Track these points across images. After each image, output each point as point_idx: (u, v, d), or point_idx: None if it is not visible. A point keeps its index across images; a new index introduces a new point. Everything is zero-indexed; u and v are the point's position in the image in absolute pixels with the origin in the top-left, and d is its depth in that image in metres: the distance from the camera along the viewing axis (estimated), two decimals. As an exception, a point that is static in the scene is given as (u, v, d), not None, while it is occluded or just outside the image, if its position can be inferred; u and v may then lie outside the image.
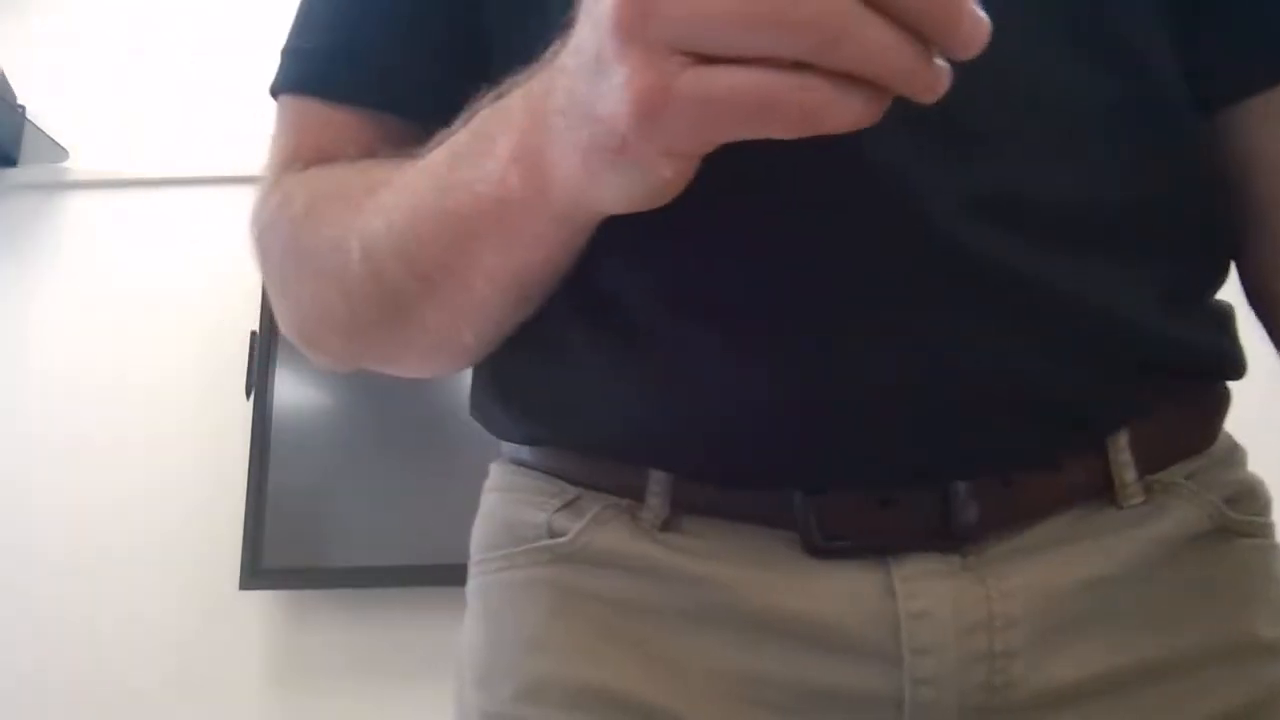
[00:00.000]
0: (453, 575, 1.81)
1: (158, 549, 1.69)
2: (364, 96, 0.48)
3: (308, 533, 1.63)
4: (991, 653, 0.39)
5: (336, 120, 0.48)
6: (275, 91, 0.51)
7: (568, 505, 0.44)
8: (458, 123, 0.39)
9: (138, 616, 1.66)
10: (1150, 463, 0.41)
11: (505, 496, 0.48)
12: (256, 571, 1.59)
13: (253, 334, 1.71)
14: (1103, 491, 0.41)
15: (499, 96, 0.38)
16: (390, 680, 1.64)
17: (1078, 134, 0.40)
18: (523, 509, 0.46)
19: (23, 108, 1.87)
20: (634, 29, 0.27)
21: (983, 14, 0.25)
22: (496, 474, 0.51)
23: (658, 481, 0.42)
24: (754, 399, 0.40)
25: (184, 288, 1.80)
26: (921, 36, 0.25)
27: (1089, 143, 0.40)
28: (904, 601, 0.39)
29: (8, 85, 1.84)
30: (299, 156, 0.48)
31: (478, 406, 0.51)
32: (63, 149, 1.88)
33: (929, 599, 0.39)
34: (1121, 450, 0.41)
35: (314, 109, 0.49)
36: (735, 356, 0.40)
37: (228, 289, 1.75)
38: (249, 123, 1.83)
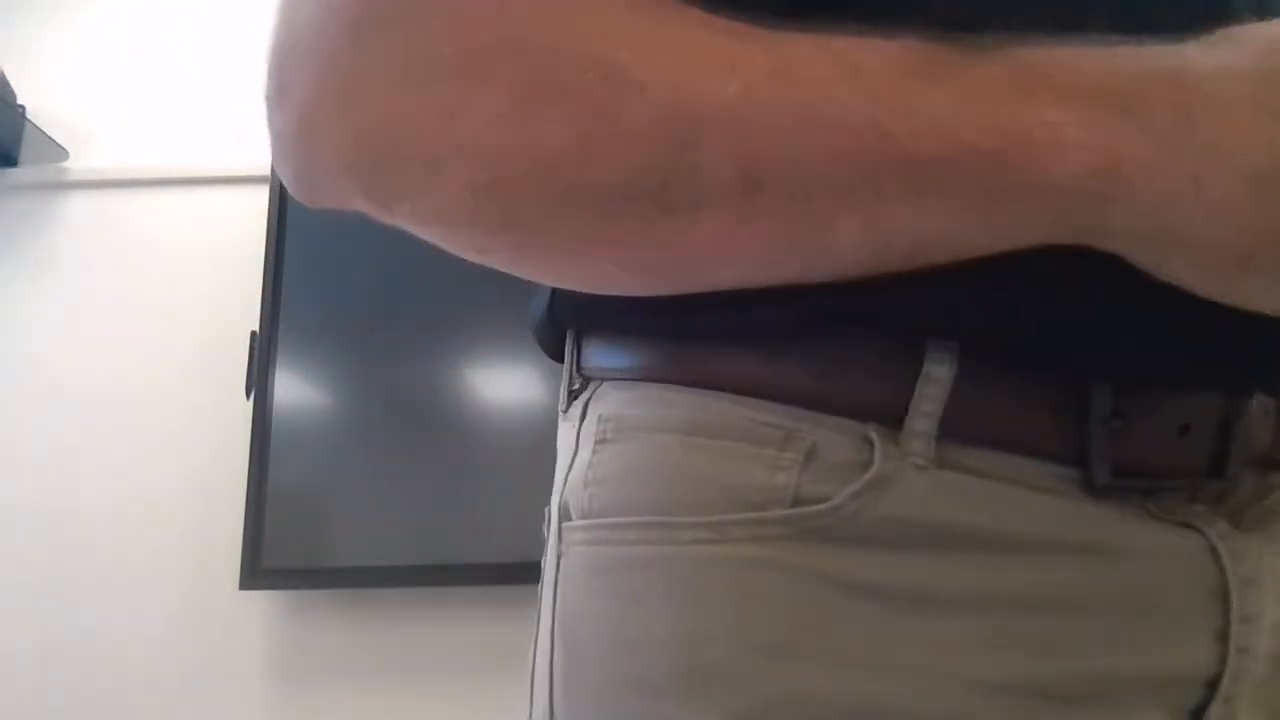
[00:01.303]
0: (452, 575, 1.80)
1: (158, 549, 1.69)
2: None
3: (308, 533, 1.63)
4: (1276, 622, 0.35)
5: None
6: None
7: (811, 459, 0.34)
8: (884, 32, 0.28)
9: (138, 616, 1.66)
10: None
11: (690, 441, 0.36)
12: (256, 571, 1.59)
13: (253, 334, 1.71)
14: None
15: (1004, 43, 0.28)
16: (390, 680, 1.64)
17: None
18: (737, 463, 0.35)
19: (23, 108, 1.87)
20: None
21: None
22: (652, 403, 0.37)
23: (936, 381, 0.33)
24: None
25: (184, 288, 1.80)
26: None
27: None
28: (1233, 563, 0.34)
29: (8, 85, 1.83)
30: None
31: (627, 310, 0.36)
32: (63, 149, 1.87)
33: (1252, 559, 0.35)
34: None
35: None
36: None
37: (228, 289, 1.75)
38: (249, 123, 1.84)
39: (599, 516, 0.38)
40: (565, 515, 0.40)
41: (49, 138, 1.87)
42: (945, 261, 0.31)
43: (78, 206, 1.88)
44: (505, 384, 1.68)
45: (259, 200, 1.75)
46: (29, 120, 1.87)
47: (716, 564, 0.34)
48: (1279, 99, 0.26)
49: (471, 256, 0.33)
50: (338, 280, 1.71)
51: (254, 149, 1.79)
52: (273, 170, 1.96)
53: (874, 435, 0.33)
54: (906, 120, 0.27)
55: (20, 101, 1.87)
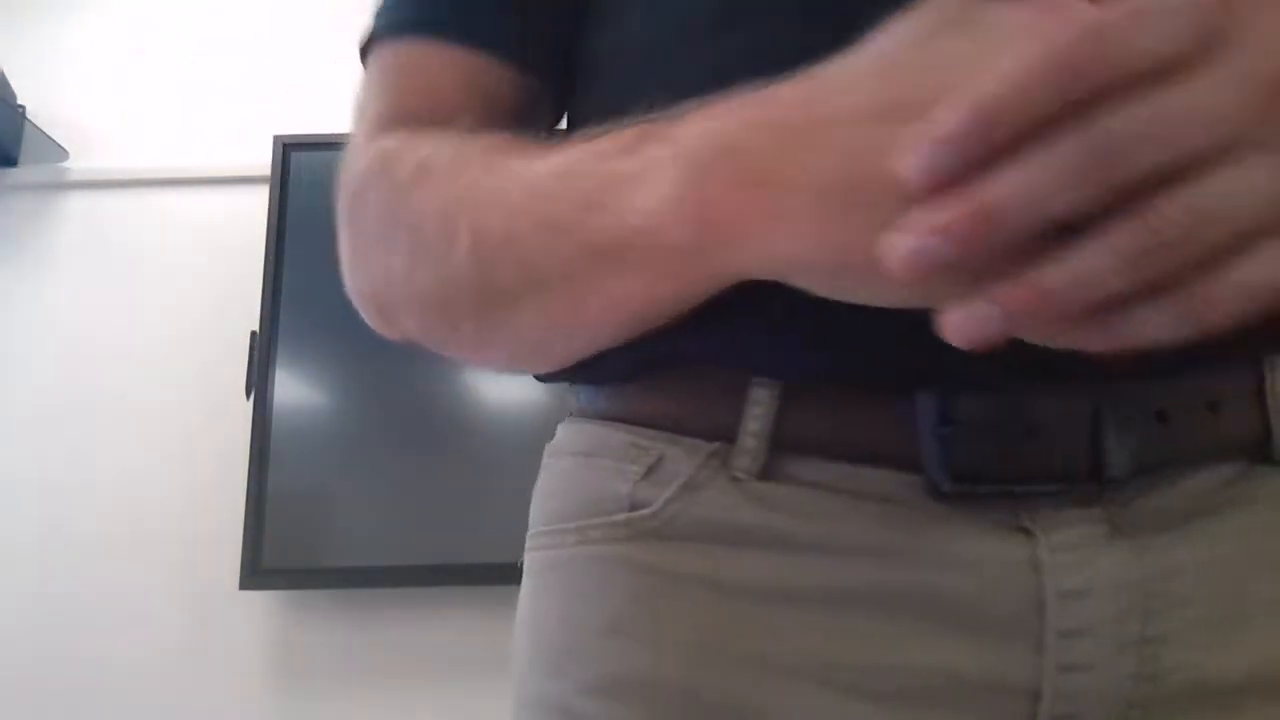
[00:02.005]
0: (453, 575, 1.81)
1: (157, 549, 1.69)
2: (472, 31, 0.43)
3: (308, 533, 1.63)
4: (1143, 638, 0.34)
5: (442, 62, 0.44)
6: (368, 44, 0.47)
7: (652, 471, 0.39)
8: (603, 129, 0.36)
9: (138, 616, 1.66)
10: None
11: (582, 461, 0.43)
12: (256, 571, 1.59)
13: (253, 334, 1.71)
14: (1261, 445, 0.36)
15: (669, 120, 0.34)
16: (390, 680, 1.64)
17: None
18: (604, 477, 0.41)
19: (23, 108, 1.87)
20: None
21: None
22: (569, 435, 0.46)
23: (757, 403, 0.37)
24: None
25: (184, 288, 1.80)
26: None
27: None
28: (1053, 577, 0.34)
29: (8, 85, 1.84)
30: (400, 111, 0.44)
31: None
32: (63, 149, 1.88)
33: (1082, 573, 0.34)
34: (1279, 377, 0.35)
35: (418, 52, 0.44)
36: None
37: (228, 289, 1.75)
38: (249, 122, 1.84)
39: (532, 527, 0.45)
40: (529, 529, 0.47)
41: (49, 138, 1.87)
42: (676, 312, 0.36)
43: (78, 206, 1.88)
44: (505, 384, 1.68)
45: (259, 200, 1.75)
46: (29, 120, 1.87)
47: (582, 562, 0.41)
48: (818, 123, 0.29)
49: (449, 357, 0.45)
50: (338, 280, 1.69)
51: (254, 149, 1.79)
52: (273, 170, 1.96)
53: (709, 451, 0.38)
54: (597, 217, 0.34)
55: (20, 101, 1.87)
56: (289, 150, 1.75)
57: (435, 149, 0.41)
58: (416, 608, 1.64)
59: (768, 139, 0.30)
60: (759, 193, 0.30)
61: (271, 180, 1.75)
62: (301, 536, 1.62)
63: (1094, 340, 0.25)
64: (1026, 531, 0.34)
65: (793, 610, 0.36)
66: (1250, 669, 0.34)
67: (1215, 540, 0.35)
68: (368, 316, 0.46)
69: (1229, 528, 0.35)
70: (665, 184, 0.32)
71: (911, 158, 0.25)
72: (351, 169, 0.44)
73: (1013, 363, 0.33)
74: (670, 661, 0.37)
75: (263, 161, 1.77)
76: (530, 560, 0.45)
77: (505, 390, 1.68)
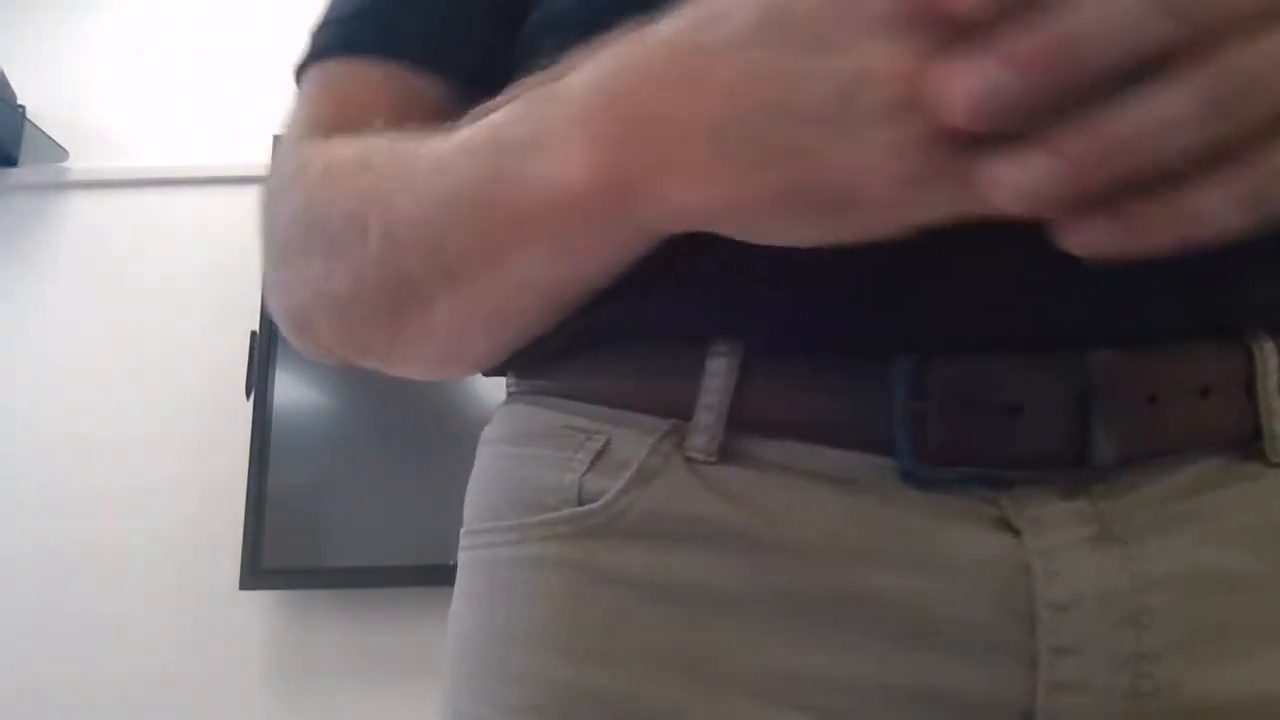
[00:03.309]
0: (452, 575, 1.81)
1: (157, 549, 1.69)
2: (392, 46, 0.42)
3: (308, 533, 1.63)
4: (1138, 653, 0.30)
5: (363, 78, 0.43)
6: (300, 68, 0.46)
7: (600, 458, 0.35)
8: (504, 96, 0.34)
9: (138, 616, 1.66)
10: None
11: (516, 451, 0.39)
12: (256, 571, 1.59)
13: (253, 334, 1.71)
14: (1250, 439, 0.33)
15: (558, 76, 0.32)
16: (390, 680, 1.64)
17: None
18: (542, 468, 0.37)
19: (23, 108, 1.87)
20: (920, 106, 0.23)
21: None
22: (503, 420, 0.42)
23: (714, 374, 0.33)
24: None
25: (184, 288, 1.80)
26: None
27: None
28: (1044, 585, 0.30)
29: (8, 85, 1.83)
30: (320, 123, 0.43)
31: None
32: (63, 149, 1.87)
33: (1073, 582, 0.30)
34: (1270, 369, 0.33)
35: (339, 70, 0.44)
36: None
37: (228, 289, 1.75)
38: (249, 122, 1.84)
39: (466, 526, 0.42)
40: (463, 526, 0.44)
41: (49, 138, 1.87)
42: (602, 285, 0.34)
43: (78, 206, 1.88)
44: (504, 385, 1.68)
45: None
46: (29, 120, 1.87)
47: (514, 564, 0.37)
48: (699, 63, 0.27)
49: (372, 368, 0.43)
50: (338, 280, 1.70)
51: (254, 149, 1.78)
52: (273, 170, 1.95)
53: (658, 431, 0.34)
54: (497, 187, 0.32)
55: (20, 101, 1.87)
56: (289, 150, 1.75)
57: (344, 148, 0.39)
58: (416, 608, 1.64)
59: (650, 83, 0.28)
60: (650, 142, 0.29)
61: (271, 180, 1.75)
62: (301, 536, 1.62)
63: (1150, 230, 0.23)
64: (1012, 529, 0.31)
65: (748, 617, 0.32)
66: (1245, 686, 0.31)
67: (1206, 546, 0.32)
68: (290, 335, 0.44)
69: (1221, 531, 0.32)
70: (560, 147, 0.30)
71: None
72: (269, 186, 0.43)
73: (994, 329, 0.31)
74: (603, 674, 0.33)
75: (263, 161, 1.75)
76: (461, 561, 0.41)
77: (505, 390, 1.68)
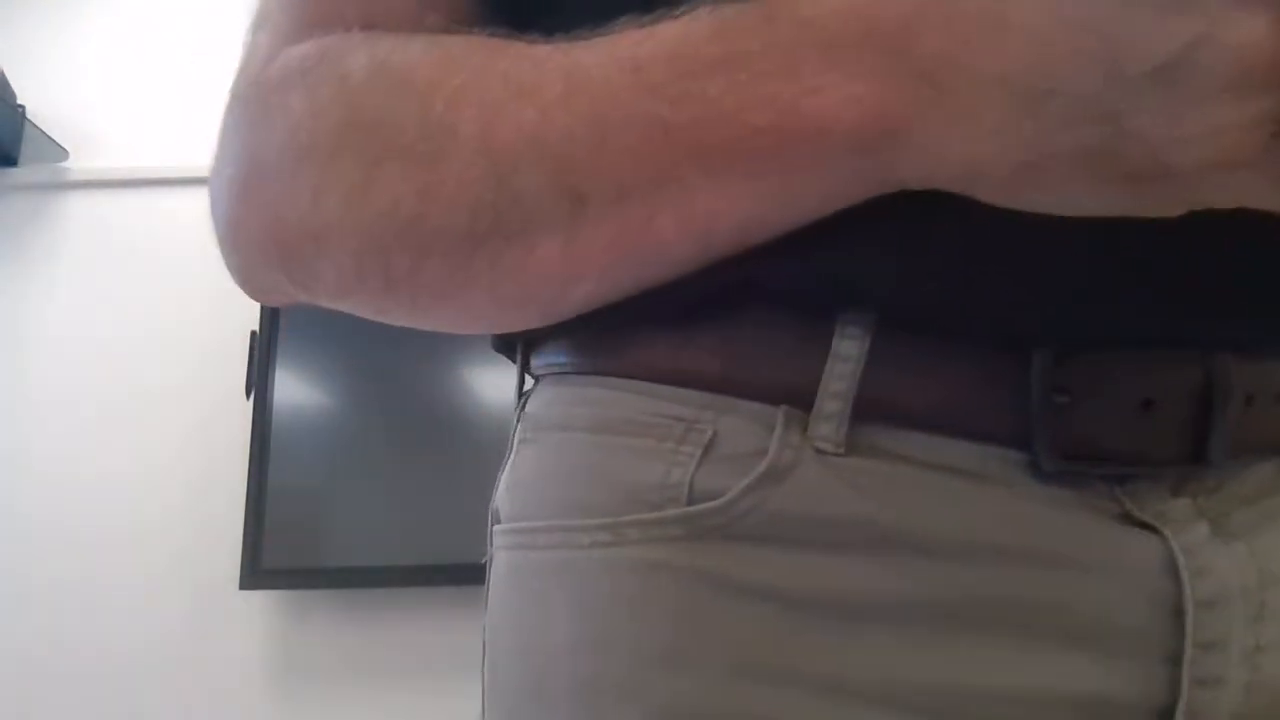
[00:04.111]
0: (453, 575, 1.80)
1: (158, 549, 1.69)
2: None
3: (308, 533, 1.63)
4: (1258, 647, 0.30)
5: None
6: None
7: (709, 451, 0.32)
8: (658, 14, 0.29)
9: (137, 616, 1.66)
10: None
11: (596, 439, 0.35)
12: (256, 571, 1.59)
13: (253, 334, 1.71)
14: None
15: None
16: (390, 680, 1.64)
17: None
18: (636, 459, 0.33)
19: (23, 108, 1.87)
20: (1270, 85, 0.21)
21: None
22: (568, 402, 0.37)
23: (844, 357, 0.30)
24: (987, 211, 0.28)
25: (184, 288, 1.80)
26: None
27: None
28: (1192, 581, 0.30)
29: (8, 85, 1.83)
30: (326, 17, 0.35)
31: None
32: (63, 149, 1.87)
33: (1220, 578, 0.30)
34: None
35: None
36: None
37: (228, 289, 1.73)
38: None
39: (516, 520, 0.38)
40: (495, 519, 0.40)
41: (49, 138, 1.87)
42: (773, 236, 0.30)
43: (78, 206, 1.88)
44: (505, 383, 1.68)
45: (259, 200, 1.75)
46: (29, 120, 1.87)
47: (612, 568, 0.33)
48: (1010, 5, 0.24)
49: (376, 318, 0.36)
50: (338, 280, 1.70)
51: (254, 149, 1.79)
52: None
53: (780, 420, 0.31)
54: (688, 110, 0.28)
55: (20, 101, 1.86)
56: (289, 150, 1.75)
57: (403, 44, 0.33)
58: (416, 608, 1.64)
59: (928, 15, 0.25)
60: (935, 84, 0.25)
61: (271, 180, 1.75)
62: (301, 536, 1.62)
63: None
64: (1148, 527, 0.31)
65: (888, 624, 0.30)
66: None
67: None
68: (245, 265, 0.37)
69: None
70: (802, 74, 0.27)
71: None
72: (246, 75, 0.36)
73: (1129, 326, 0.30)
74: (742, 695, 0.30)
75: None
76: (513, 561, 0.37)
77: (506, 389, 1.68)
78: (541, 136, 0.29)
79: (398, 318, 0.36)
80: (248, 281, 0.38)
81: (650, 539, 0.32)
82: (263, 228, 0.35)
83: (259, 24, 0.38)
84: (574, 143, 0.29)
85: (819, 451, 0.31)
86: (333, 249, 0.33)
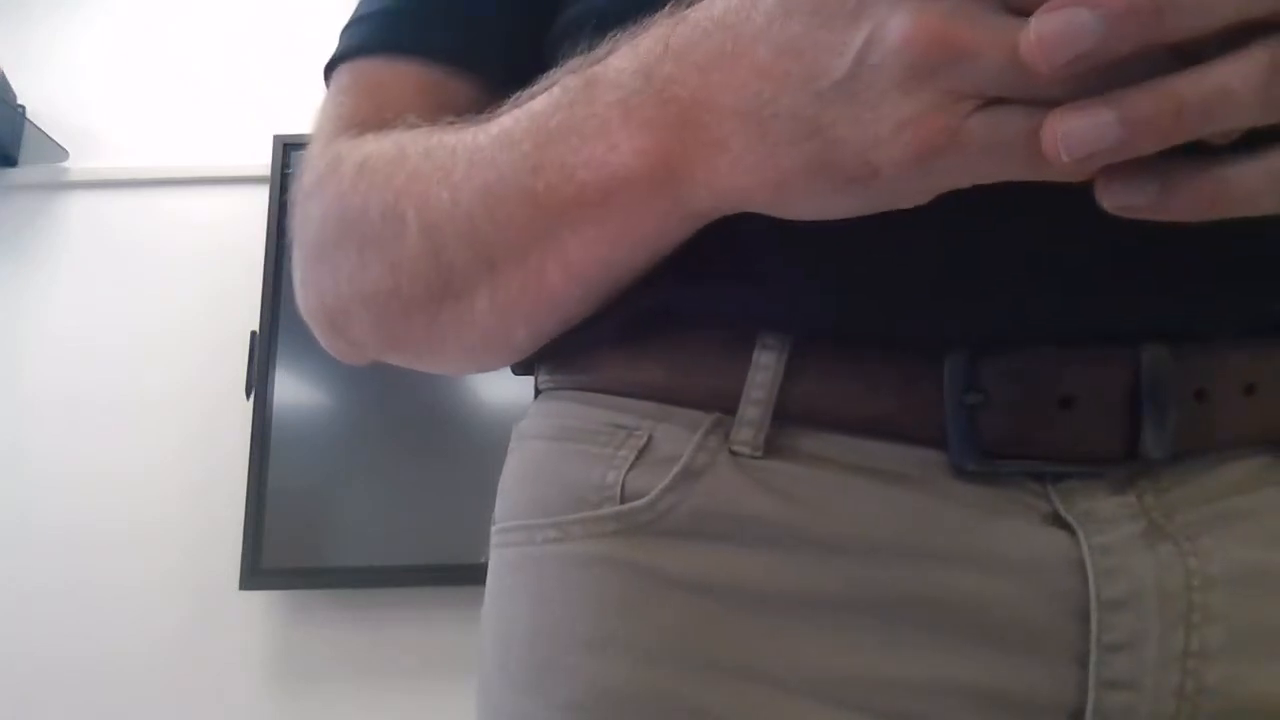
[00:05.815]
0: (453, 575, 1.81)
1: (158, 549, 1.69)
2: (427, 45, 0.43)
3: (308, 533, 1.63)
4: (1187, 651, 0.30)
5: (396, 76, 0.43)
6: (331, 65, 0.46)
7: (642, 455, 0.35)
8: (539, 85, 0.34)
9: (137, 616, 1.66)
10: None
11: (556, 446, 0.39)
12: (256, 571, 1.59)
13: (253, 334, 1.71)
14: None
15: (595, 61, 0.32)
16: (390, 680, 1.64)
17: None
18: (583, 464, 0.37)
19: (23, 108, 1.87)
20: (936, 71, 0.23)
21: None
22: (542, 414, 0.42)
23: (762, 367, 0.33)
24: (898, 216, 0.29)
25: (184, 288, 1.80)
26: None
27: None
28: (1099, 581, 0.30)
29: (8, 85, 1.83)
30: (352, 120, 0.43)
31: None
32: (63, 149, 1.87)
33: (1131, 579, 0.30)
34: None
35: (373, 68, 0.44)
36: None
37: (228, 289, 1.75)
38: (249, 122, 1.84)
39: (500, 521, 0.42)
40: (493, 520, 0.44)
41: (49, 138, 1.87)
42: (637, 273, 0.34)
43: (78, 206, 1.88)
44: (505, 384, 1.68)
45: (259, 200, 1.75)
46: (29, 120, 1.87)
47: (559, 562, 0.36)
48: (735, 43, 0.28)
49: (417, 369, 0.44)
50: (338, 280, 1.70)
51: (254, 149, 1.79)
52: (273, 170, 1.95)
53: (704, 426, 0.34)
54: (544, 177, 0.33)
55: (20, 101, 1.87)
56: (289, 150, 1.75)
57: (378, 143, 0.40)
58: (416, 608, 1.64)
59: (691, 66, 0.29)
60: (695, 125, 0.29)
61: (271, 180, 1.75)
62: (301, 536, 1.62)
63: (1188, 199, 0.23)
64: (1065, 526, 0.31)
65: (799, 616, 0.32)
66: None
67: (1255, 545, 0.32)
68: (320, 335, 0.44)
69: (1270, 530, 0.32)
70: (607, 134, 0.31)
71: None
72: (301, 183, 0.44)
73: (1046, 323, 0.31)
74: (662, 677, 0.33)
75: (262, 161, 1.77)
76: (497, 558, 0.41)
77: (506, 390, 1.68)
78: (454, 215, 0.35)
79: (424, 368, 0.43)
80: (330, 347, 0.45)
81: (590, 535, 0.36)
82: (311, 311, 0.44)
83: (313, 135, 0.45)
84: (475, 218, 0.35)
85: (734, 454, 0.34)
86: (351, 319, 0.41)
